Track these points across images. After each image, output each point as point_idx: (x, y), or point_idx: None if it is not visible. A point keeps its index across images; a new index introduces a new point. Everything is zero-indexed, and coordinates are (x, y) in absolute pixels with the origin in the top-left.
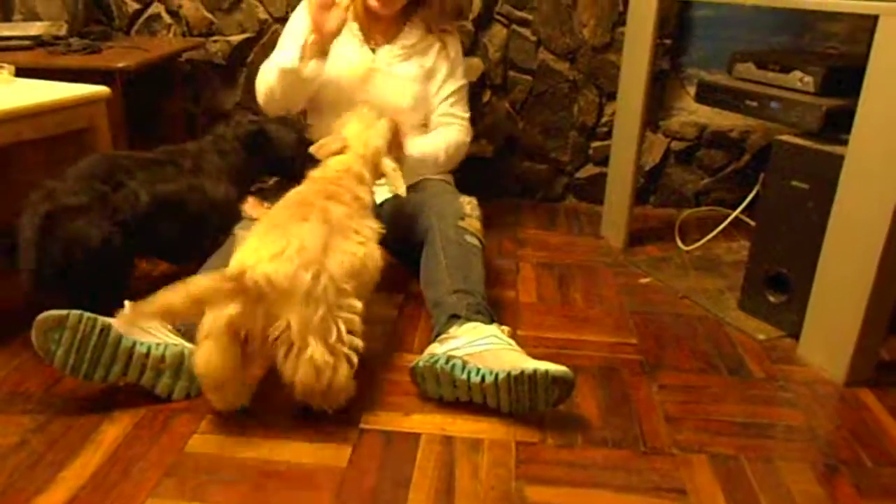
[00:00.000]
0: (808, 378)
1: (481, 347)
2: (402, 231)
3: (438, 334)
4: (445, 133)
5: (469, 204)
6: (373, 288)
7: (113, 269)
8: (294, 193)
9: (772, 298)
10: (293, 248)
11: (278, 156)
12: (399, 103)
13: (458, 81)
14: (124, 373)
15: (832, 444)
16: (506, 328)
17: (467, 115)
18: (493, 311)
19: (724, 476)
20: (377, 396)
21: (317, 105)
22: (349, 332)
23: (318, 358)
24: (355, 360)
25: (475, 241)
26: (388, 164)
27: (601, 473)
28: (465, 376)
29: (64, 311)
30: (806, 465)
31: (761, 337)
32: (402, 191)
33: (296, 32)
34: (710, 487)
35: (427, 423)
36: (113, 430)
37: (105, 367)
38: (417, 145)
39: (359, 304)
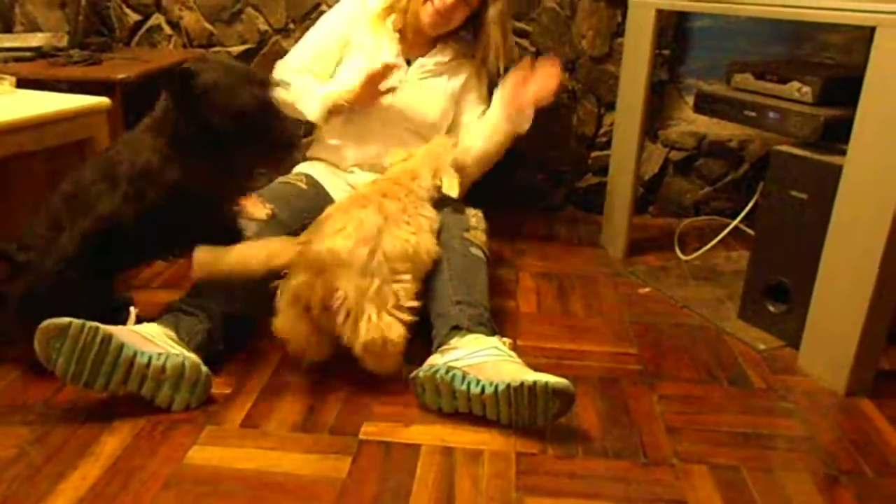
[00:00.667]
0: (808, 388)
1: (482, 359)
2: None
3: (440, 345)
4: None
5: (475, 216)
6: (425, 273)
7: (77, 296)
8: (355, 193)
9: (771, 308)
10: (352, 226)
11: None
12: (426, 116)
13: (482, 103)
14: (125, 382)
15: (833, 455)
16: (507, 340)
17: None
18: (495, 322)
19: (725, 487)
20: (377, 407)
21: (346, 113)
22: (400, 306)
23: (373, 323)
24: (403, 330)
25: (479, 254)
26: (447, 168)
27: (602, 484)
28: (464, 387)
29: (66, 320)
30: (807, 476)
31: (761, 347)
32: (455, 193)
33: (327, 38)
34: (710, 498)
35: (427, 433)
36: (112, 442)
37: (106, 375)
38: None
39: (410, 282)
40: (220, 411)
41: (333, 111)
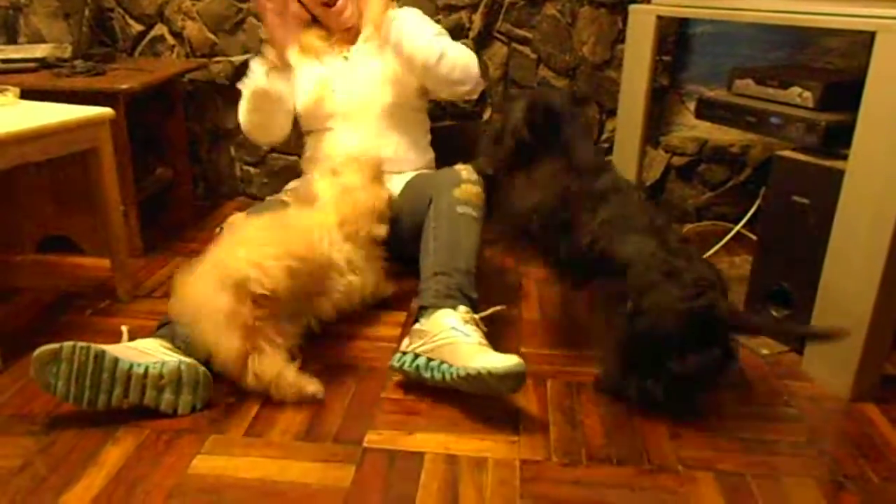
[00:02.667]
0: (812, 393)
1: (439, 342)
2: (416, 217)
3: (414, 323)
4: (441, 40)
5: (465, 170)
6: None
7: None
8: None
9: (775, 313)
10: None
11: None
12: (390, 93)
13: (434, 24)
14: (126, 395)
15: (838, 460)
16: (465, 310)
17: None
18: (487, 325)
19: (730, 493)
20: (380, 415)
21: (310, 125)
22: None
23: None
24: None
25: (469, 210)
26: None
27: (606, 491)
28: (429, 374)
29: (57, 345)
30: (812, 481)
31: (765, 352)
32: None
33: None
34: None
35: (431, 441)
36: (116, 452)
37: (106, 392)
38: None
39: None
40: (224, 420)
41: (271, 67)
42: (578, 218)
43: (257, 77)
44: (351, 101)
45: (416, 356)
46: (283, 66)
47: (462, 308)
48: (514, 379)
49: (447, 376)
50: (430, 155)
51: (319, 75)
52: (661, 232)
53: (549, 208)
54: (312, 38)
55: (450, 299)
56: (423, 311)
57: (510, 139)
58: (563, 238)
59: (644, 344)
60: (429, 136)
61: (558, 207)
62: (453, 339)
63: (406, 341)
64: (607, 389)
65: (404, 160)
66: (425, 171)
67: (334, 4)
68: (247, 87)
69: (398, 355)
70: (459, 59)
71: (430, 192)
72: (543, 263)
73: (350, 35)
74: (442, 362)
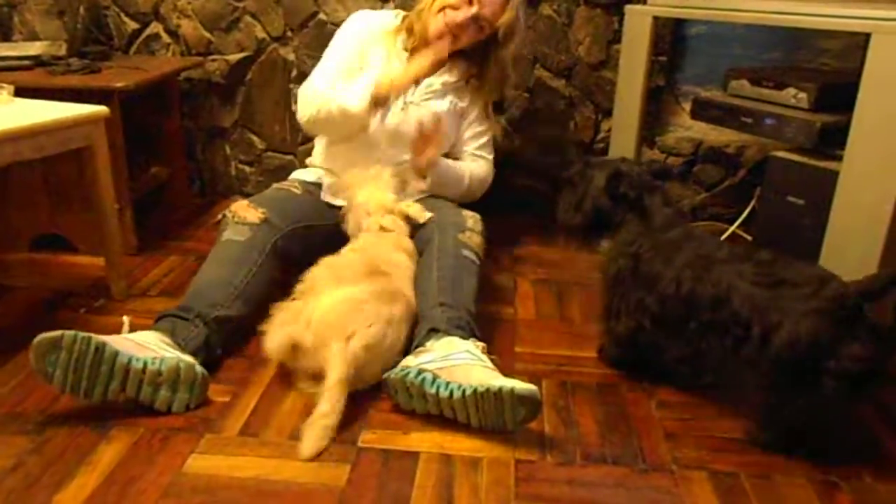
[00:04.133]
0: None
1: (453, 362)
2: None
3: (417, 346)
4: (472, 166)
5: (472, 219)
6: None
7: None
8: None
9: None
10: (371, 328)
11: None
12: None
13: (488, 127)
14: (122, 389)
15: (832, 461)
16: (481, 344)
17: (492, 157)
18: (482, 327)
19: (724, 493)
20: (376, 415)
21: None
22: None
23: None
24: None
25: (472, 256)
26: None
27: (601, 491)
28: (433, 390)
29: (58, 333)
30: (805, 482)
31: None
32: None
33: (348, 55)
34: None
35: (426, 441)
36: (110, 451)
37: (103, 384)
38: (447, 162)
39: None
40: (219, 419)
41: (377, 99)
42: (657, 270)
43: (358, 99)
44: (401, 123)
45: (421, 371)
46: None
47: (473, 341)
48: (531, 404)
49: (455, 394)
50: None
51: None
52: (749, 255)
53: (626, 272)
54: (399, 45)
55: (460, 330)
56: (431, 333)
57: (589, 206)
58: (647, 294)
59: (788, 360)
60: None
61: (634, 267)
62: (469, 361)
63: (409, 358)
64: (774, 444)
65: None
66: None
67: (453, 32)
68: (339, 101)
69: (399, 368)
70: (478, 191)
71: (434, 230)
72: (634, 324)
73: None
74: (450, 381)
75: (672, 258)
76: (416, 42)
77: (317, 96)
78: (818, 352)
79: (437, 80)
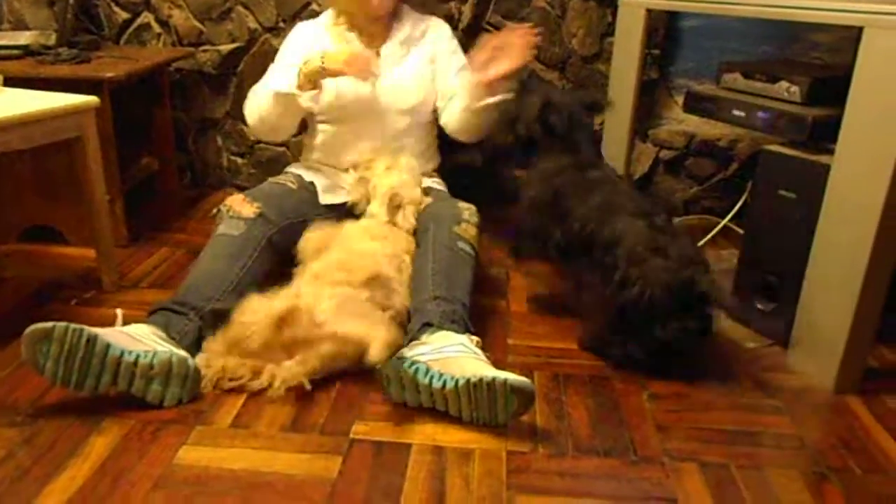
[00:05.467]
0: (797, 386)
1: (447, 354)
2: None
3: (411, 340)
4: None
5: (468, 210)
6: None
7: None
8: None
9: (760, 306)
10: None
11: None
12: (410, 98)
13: (461, 56)
14: (114, 382)
15: (821, 452)
16: (475, 338)
17: None
18: (474, 320)
19: (715, 484)
20: (368, 406)
21: (331, 116)
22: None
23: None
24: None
25: (468, 248)
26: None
27: (592, 482)
28: (426, 380)
29: (50, 324)
30: (795, 473)
31: (751, 345)
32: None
33: (289, 58)
34: (700, 496)
35: (418, 432)
36: (101, 443)
37: (95, 376)
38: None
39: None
40: (210, 411)
41: (307, 80)
42: (571, 206)
43: (287, 81)
44: (376, 98)
45: (415, 362)
46: (318, 85)
47: (468, 335)
48: (524, 396)
49: (448, 385)
50: (434, 163)
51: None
52: (649, 215)
53: (544, 201)
54: (344, 28)
55: (454, 324)
56: (425, 327)
57: (522, 131)
58: (557, 226)
59: (631, 310)
60: (436, 142)
61: (553, 200)
62: (464, 354)
63: (403, 350)
64: (592, 348)
65: (416, 161)
66: (429, 183)
67: None
68: (271, 86)
69: (392, 359)
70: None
71: (430, 221)
72: (539, 252)
73: (378, 29)
74: (444, 372)
75: (586, 198)
76: (356, 20)
77: (254, 94)
78: (650, 316)
79: (393, 44)
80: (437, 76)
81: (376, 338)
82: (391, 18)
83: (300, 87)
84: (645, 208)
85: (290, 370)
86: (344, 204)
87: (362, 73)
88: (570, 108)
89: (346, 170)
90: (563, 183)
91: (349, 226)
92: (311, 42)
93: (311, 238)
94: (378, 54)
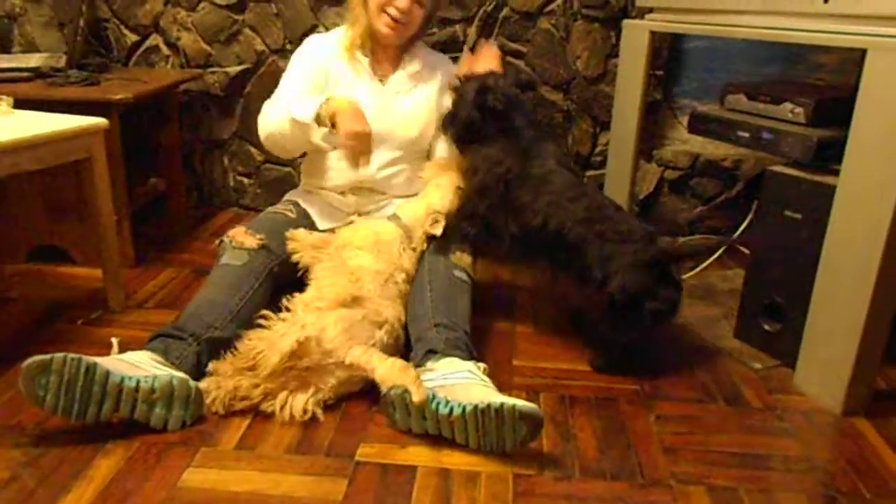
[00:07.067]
0: (804, 407)
1: (453, 381)
2: None
3: (416, 367)
4: None
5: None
6: None
7: None
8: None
9: (767, 327)
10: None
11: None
12: (409, 132)
13: None
14: (116, 408)
15: (830, 475)
16: (482, 365)
17: None
18: (478, 341)
19: None
20: (373, 428)
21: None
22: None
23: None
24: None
25: (464, 276)
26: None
27: None
28: (433, 407)
29: (47, 356)
30: (804, 496)
31: (757, 366)
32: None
33: (302, 74)
34: None
35: (423, 455)
36: (106, 465)
37: (97, 404)
38: None
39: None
40: (215, 433)
41: (320, 119)
42: (524, 200)
43: (307, 111)
44: (377, 127)
45: None
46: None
47: (474, 361)
48: (532, 422)
49: (455, 411)
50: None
51: (354, 94)
52: (601, 208)
53: (491, 188)
54: (356, 51)
55: (458, 350)
56: (430, 354)
57: (466, 114)
58: (511, 218)
59: (622, 300)
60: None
61: (503, 189)
62: (470, 380)
63: None
64: (603, 367)
65: (403, 190)
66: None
67: (402, 22)
68: (289, 111)
69: (398, 386)
70: None
71: (424, 253)
72: (492, 240)
73: (390, 57)
74: (450, 399)
75: (538, 193)
76: (370, 44)
77: (269, 112)
78: (640, 296)
79: (401, 75)
80: (437, 114)
81: (408, 377)
82: (403, 50)
83: (318, 122)
84: (597, 200)
85: (304, 402)
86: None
87: (356, 156)
88: (506, 89)
89: (342, 193)
90: (510, 171)
91: (357, 226)
92: (324, 60)
93: (302, 235)
94: (383, 83)
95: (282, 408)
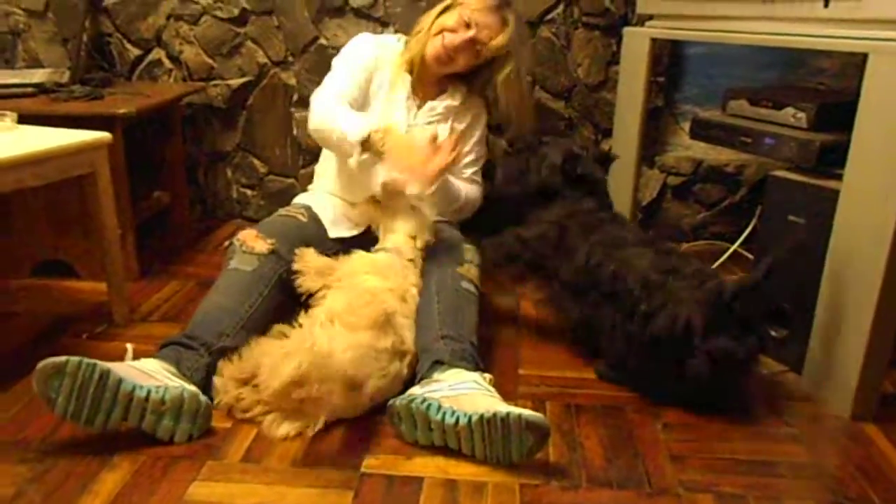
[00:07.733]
0: (812, 413)
1: (460, 391)
2: None
3: (422, 379)
4: (468, 188)
5: (469, 251)
6: None
7: None
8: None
9: (773, 333)
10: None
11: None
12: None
13: (484, 154)
14: (125, 417)
15: (839, 481)
16: (487, 375)
17: (482, 183)
18: (484, 350)
19: None
20: (378, 440)
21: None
22: None
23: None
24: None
25: (471, 288)
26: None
27: None
28: (439, 417)
29: (63, 359)
30: (813, 503)
31: (764, 372)
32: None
33: (352, 71)
34: None
35: (429, 466)
36: (112, 479)
37: (106, 412)
38: (449, 177)
39: None
40: (221, 446)
41: (365, 145)
42: (576, 243)
43: (357, 129)
44: None
45: (427, 399)
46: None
47: (480, 372)
48: (540, 432)
49: (461, 421)
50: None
51: (390, 115)
52: (654, 242)
53: (551, 236)
54: (406, 66)
55: (465, 361)
56: (436, 365)
57: (548, 177)
58: (563, 262)
59: (666, 340)
60: None
61: (558, 234)
62: (476, 391)
63: (415, 388)
64: (614, 379)
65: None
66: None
67: (449, 53)
68: (342, 123)
69: (404, 396)
70: (468, 213)
71: (432, 263)
72: (544, 287)
73: (433, 82)
74: (456, 409)
75: (589, 235)
76: (416, 64)
77: (327, 112)
78: (686, 338)
79: (439, 104)
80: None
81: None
82: (446, 84)
83: (363, 149)
84: (648, 238)
85: (287, 430)
86: (353, 237)
87: (416, 184)
88: (587, 159)
89: (355, 204)
90: (572, 222)
91: (354, 258)
92: (374, 63)
93: (310, 257)
94: (419, 108)
95: (268, 425)
